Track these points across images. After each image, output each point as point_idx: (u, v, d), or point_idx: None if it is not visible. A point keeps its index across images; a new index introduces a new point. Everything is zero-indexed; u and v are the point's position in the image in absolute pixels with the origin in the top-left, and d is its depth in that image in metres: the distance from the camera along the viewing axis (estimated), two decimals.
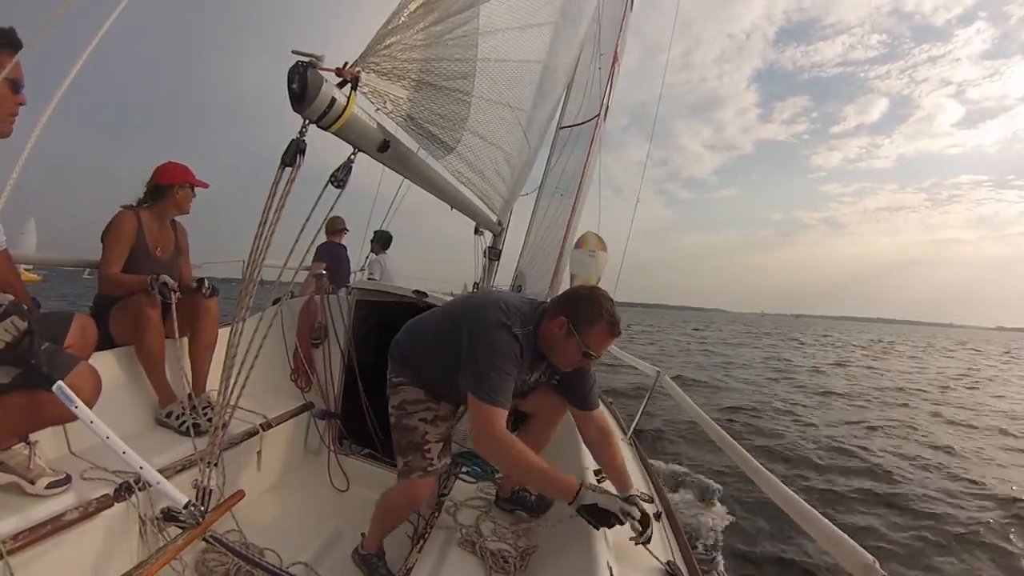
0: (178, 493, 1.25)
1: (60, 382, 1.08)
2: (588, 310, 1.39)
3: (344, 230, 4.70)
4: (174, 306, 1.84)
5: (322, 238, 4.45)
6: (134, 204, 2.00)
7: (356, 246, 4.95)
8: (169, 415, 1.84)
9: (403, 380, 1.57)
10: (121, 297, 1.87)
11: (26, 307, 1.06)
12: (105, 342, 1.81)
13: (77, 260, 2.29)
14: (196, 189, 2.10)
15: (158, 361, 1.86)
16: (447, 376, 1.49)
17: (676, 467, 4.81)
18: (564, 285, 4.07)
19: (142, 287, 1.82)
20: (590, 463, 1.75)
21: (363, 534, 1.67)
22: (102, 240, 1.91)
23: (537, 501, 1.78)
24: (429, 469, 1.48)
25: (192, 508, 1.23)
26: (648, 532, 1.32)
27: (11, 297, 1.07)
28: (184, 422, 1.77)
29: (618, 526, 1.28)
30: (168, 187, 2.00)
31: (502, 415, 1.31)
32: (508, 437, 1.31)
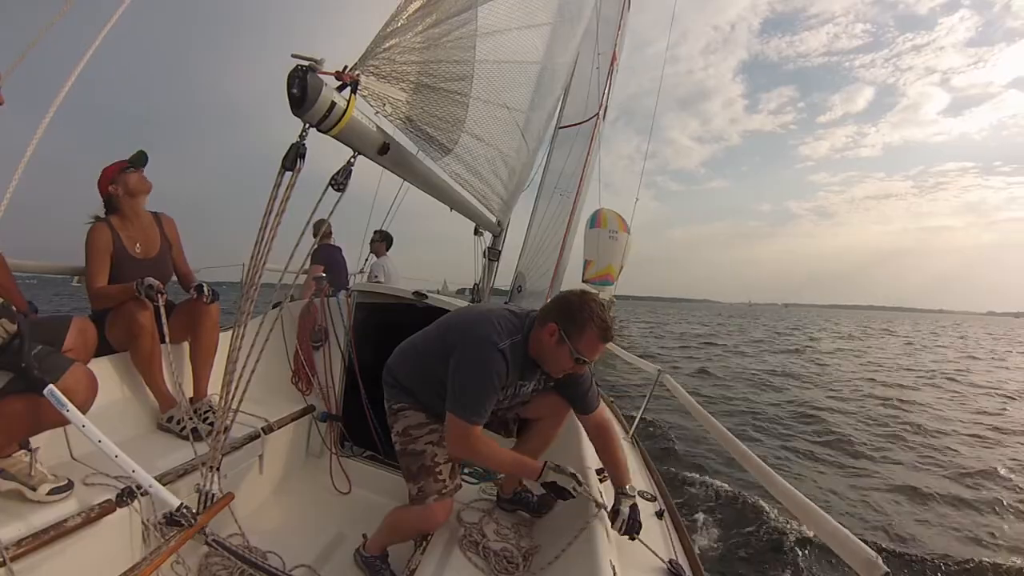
0: (171, 495, 1.25)
1: (51, 386, 1.07)
2: (579, 316, 1.39)
3: (330, 233, 4.69)
4: (163, 308, 1.80)
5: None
6: (103, 215, 1.93)
7: (354, 249, 4.95)
8: (170, 420, 1.84)
9: (403, 405, 1.56)
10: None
11: (21, 311, 1.06)
12: (104, 349, 1.81)
13: (64, 267, 2.28)
14: (139, 169, 1.95)
15: (155, 367, 1.85)
16: (444, 396, 1.50)
17: (677, 466, 4.81)
18: (567, 284, 4.06)
19: (130, 295, 1.80)
20: (592, 462, 1.75)
21: (365, 535, 1.68)
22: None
23: (539, 501, 1.79)
24: (443, 491, 1.48)
25: (184, 509, 1.23)
26: (623, 524, 1.41)
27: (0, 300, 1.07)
28: (185, 427, 1.77)
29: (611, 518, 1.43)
30: (107, 194, 1.91)
31: (476, 431, 1.40)
32: (478, 442, 1.41)
